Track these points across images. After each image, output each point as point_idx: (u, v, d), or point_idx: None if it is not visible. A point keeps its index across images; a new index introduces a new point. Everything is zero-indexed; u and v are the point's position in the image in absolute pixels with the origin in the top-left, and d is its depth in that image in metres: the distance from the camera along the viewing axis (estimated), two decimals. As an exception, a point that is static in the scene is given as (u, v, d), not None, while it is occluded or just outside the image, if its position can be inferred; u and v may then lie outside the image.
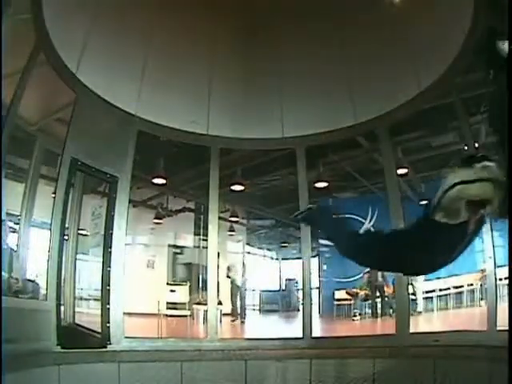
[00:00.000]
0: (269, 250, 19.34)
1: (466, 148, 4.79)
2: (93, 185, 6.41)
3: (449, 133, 7.54)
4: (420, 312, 9.14)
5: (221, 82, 5.25)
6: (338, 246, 1.76)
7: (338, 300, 10.98)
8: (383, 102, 4.90)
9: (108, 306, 4.29)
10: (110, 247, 4.43)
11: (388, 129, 4.93)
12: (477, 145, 4.52)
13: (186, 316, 7.37)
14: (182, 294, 7.79)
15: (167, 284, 10.68)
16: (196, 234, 12.39)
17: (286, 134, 5.37)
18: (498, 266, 3.95)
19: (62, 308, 4.23)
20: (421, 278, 8.98)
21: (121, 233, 4.55)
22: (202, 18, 4.82)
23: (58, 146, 4.43)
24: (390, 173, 4.90)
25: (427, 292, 9.51)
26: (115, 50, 4.60)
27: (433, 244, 1.37)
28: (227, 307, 9.50)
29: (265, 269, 18.38)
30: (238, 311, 9.98)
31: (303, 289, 5.10)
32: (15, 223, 5.27)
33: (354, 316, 9.90)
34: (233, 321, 9.06)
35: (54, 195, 4.13)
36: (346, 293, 10.77)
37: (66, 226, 4.43)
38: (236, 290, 9.91)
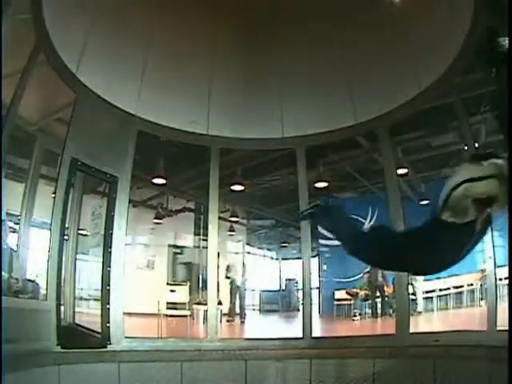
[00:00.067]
0: (269, 250, 19.33)
1: (466, 148, 4.79)
2: (93, 185, 6.41)
3: (449, 133, 7.54)
4: (420, 312, 9.14)
5: (221, 81, 5.25)
6: (344, 244, 1.75)
7: (338, 300, 10.98)
8: (383, 102, 4.90)
9: (108, 306, 4.28)
10: (110, 247, 4.43)
11: (388, 129, 4.93)
12: (477, 145, 4.53)
13: (185, 316, 7.36)
14: (181, 293, 7.79)
15: (167, 284, 10.68)
16: (196, 233, 12.39)
17: (285, 134, 5.37)
18: (498, 266, 3.95)
19: (62, 308, 4.23)
20: (421, 277, 8.97)
21: (121, 233, 4.55)
22: (202, 18, 4.82)
23: (58, 146, 4.43)
24: (390, 173, 4.90)
25: (427, 292, 9.51)
26: (115, 50, 4.60)
27: (440, 244, 1.36)
28: (227, 307, 9.49)
29: (265, 269, 18.38)
30: (237, 311, 9.95)
31: (303, 289, 5.10)
32: (15, 223, 5.27)
33: (354, 316, 9.90)
34: (229, 321, 9.02)
35: (54, 195, 4.13)
36: (346, 293, 10.77)
37: (66, 226, 4.43)
38: (235, 290, 9.87)
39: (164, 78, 4.98)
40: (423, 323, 8.03)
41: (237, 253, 14.63)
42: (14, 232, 5.22)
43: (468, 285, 9.21)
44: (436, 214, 1.30)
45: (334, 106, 5.26)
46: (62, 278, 4.18)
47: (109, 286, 4.33)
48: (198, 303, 8.10)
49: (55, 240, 3.97)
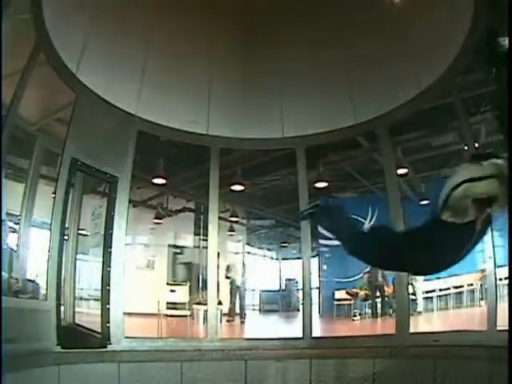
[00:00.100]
0: (269, 250, 19.34)
1: (466, 148, 4.79)
2: (93, 185, 6.41)
3: (449, 133, 7.55)
4: (420, 312, 9.14)
5: (221, 82, 5.25)
6: (344, 244, 1.74)
7: (338, 300, 10.99)
8: (383, 102, 4.90)
9: (108, 306, 4.28)
10: (110, 247, 4.43)
11: (388, 129, 4.93)
12: (477, 145, 4.52)
13: (186, 316, 7.36)
14: (181, 294, 7.79)
15: (167, 284, 10.68)
16: (196, 233, 12.39)
17: (285, 134, 5.37)
18: (498, 266, 3.95)
19: (62, 308, 4.23)
20: (421, 277, 8.97)
21: (121, 233, 4.55)
22: (202, 18, 4.82)
23: (58, 146, 4.43)
24: (390, 173, 4.90)
25: (427, 292, 9.51)
26: (115, 50, 4.60)
27: (440, 244, 1.36)
28: (227, 307, 9.49)
29: (265, 269, 18.38)
30: (237, 311, 9.94)
31: (303, 289, 5.10)
32: (15, 223, 5.27)
33: (354, 316, 9.90)
34: (229, 321, 9.00)
35: (54, 195, 4.13)
36: (346, 293, 10.77)
37: (66, 226, 4.43)
38: (235, 290, 9.85)
39: (164, 79, 4.98)
40: (423, 323, 8.03)
41: (237, 253, 14.63)
42: (13, 232, 5.22)
43: (468, 285, 9.21)
44: (436, 213, 1.30)
45: (334, 106, 5.26)
46: (62, 278, 4.18)
47: (109, 286, 4.33)
48: (198, 303, 8.10)
49: (55, 240, 3.96)
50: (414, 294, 8.69)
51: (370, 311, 10.02)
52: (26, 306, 3.79)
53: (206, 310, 5.31)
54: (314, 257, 11.22)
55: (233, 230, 13.83)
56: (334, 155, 8.72)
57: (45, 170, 6.01)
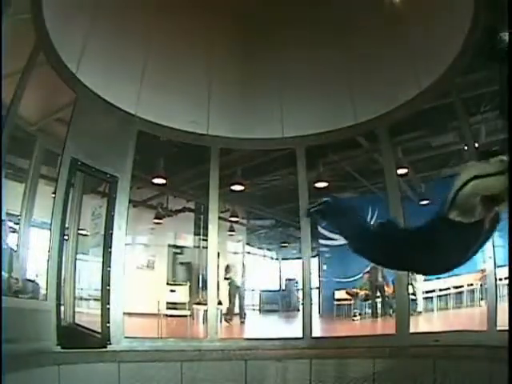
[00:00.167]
0: (269, 250, 19.34)
1: (466, 148, 4.79)
2: (93, 185, 6.42)
3: (449, 133, 7.55)
4: (420, 312, 9.14)
5: (221, 82, 5.25)
6: (350, 242, 1.73)
7: (338, 300, 10.99)
8: (383, 102, 4.90)
9: (108, 306, 4.28)
10: (110, 247, 4.43)
11: (388, 129, 4.93)
12: (477, 145, 4.52)
13: (185, 316, 7.36)
14: (181, 293, 7.79)
15: (167, 284, 10.68)
16: (196, 233, 12.40)
17: (285, 134, 5.37)
18: (498, 266, 3.95)
19: (62, 308, 4.22)
20: (421, 277, 8.98)
21: (121, 233, 4.55)
22: (201, 19, 4.82)
23: (58, 146, 4.43)
24: (390, 173, 4.90)
25: (427, 292, 9.52)
26: (115, 50, 4.60)
27: (447, 243, 1.34)
28: (225, 308, 9.46)
29: (265, 269, 18.38)
30: (236, 311, 9.89)
31: (303, 289, 5.10)
32: (15, 223, 5.27)
33: (354, 316, 9.91)
34: (227, 321, 8.98)
35: (54, 195, 4.13)
36: (346, 293, 10.78)
37: (66, 226, 4.42)
38: (234, 291, 9.80)
39: (164, 79, 4.98)
40: (423, 323, 8.04)
41: (237, 253, 14.63)
42: (14, 232, 5.22)
43: (468, 285, 9.22)
44: (443, 213, 1.28)
45: (334, 106, 5.26)
46: (62, 278, 4.17)
47: (109, 286, 4.33)
48: (198, 303, 8.11)
49: (55, 240, 3.96)
50: (413, 294, 8.70)
51: (370, 311, 10.02)
52: (26, 306, 3.79)
53: (206, 310, 5.31)
54: (314, 257, 11.23)
55: (233, 230, 13.83)
56: (334, 155, 8.73)
57: (45, 170, 6.01)
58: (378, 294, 9.76)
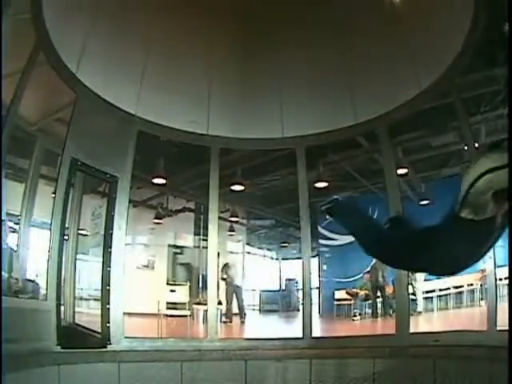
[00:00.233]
0: (269, 250, 19.32)
1: (465, 148, 4.79)
2: (93, 185, 6.42)
3: (449, 133, 7.54)
4: (420, 312, 9.13)
5: (221, 82, 5.25)
6: (361, 242, 1.70)
7: (338, 300, 10.98)
8: (383, 102, 4.90)
9: (108, 306, 4.28)
10: (110, 247, 4.43)
11: (388, 129, 4.93)
12: (477, 145, 4.53)
13: (185, 316, 7.36)
14: (181, 293, 7.78)
15: (167, 284, 10.67)
16: (196, 233, 12.39)
17: (285, 134, 5.37)
18: (498, 266, 3.95)
19: (62, 308, 4.23)
20: (421, 277, 8.98)
21: (121, 233, 4.55)
22: (201, 20, 4.81)
23: (58, 146, 4.43)
24: (390, 173, 4.90)
25: (427, 292, 9.51)
26: (115, 50, 4.60)
27: (459, 243, 1.32)
28: (224, 308, 9.40)
29: (265, 269, 18.37)
30: (235, 312, 9.82)
31: (303, 289, 5.10)
32: (15, 223, 5.27)
33: (354, 316, 9.90)
34: (225, 322, 8.95)
35: (54, 195, 4.13)
36: (346, 293, 10.77)
37: (66, 226, 4.43)
38: (233, 290, 9.70)
39: (164, 79, 4.98)
40: (423, 323, 8.03)
41: (237, 253, 14.62)
42: (14, 232, 5.22)
43: (468, 285, 9.21)
44: (455, 211, 1.26)
45: (334, 106, 5.26)
46: (62, 278, 4.18)
47: (109, 285, 4.33)
48: (198, 303, 8.10)
49: (55, 240, 3.97)
50: (413, 294, 8.69)
51: (370, 311, 10.02)
52: (26, 305, 3.80)
53: (206, 310, 5.31)
54: (314, 257, 11.23)
55: (233, 230, 13.82)
56: (334, 155, 8.72)
57: (45, 170, 6.01)
58: (379, 294, 9.75)
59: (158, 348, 4.46)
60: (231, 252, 14.01)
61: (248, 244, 16.47)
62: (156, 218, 11.80)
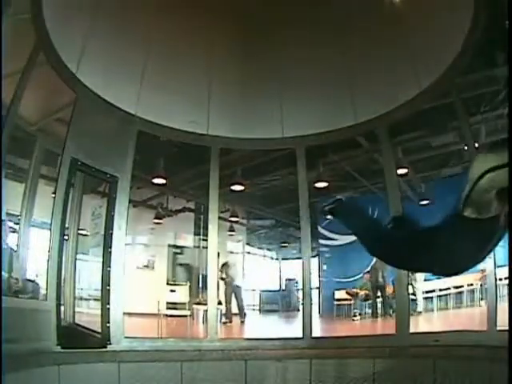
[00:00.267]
0: (269, 250, 19.32)
1: (466, 148, 4.79)
2: (93, 185, 6.42)
3: (449, 133, 7.54)
4: (420, 312, 9.13)
5: (221, 82, 5.25)
6: (364, 243, 1.69)
7: (338, 300, 10.98)
8: (383, 102, 4.90)
9: (108, 306, 4.28)
10: (110, 247, 4.43)
11: (388, 129, 4.93)
12: (477, 145, 4.53)
13: (185, 316, 7.36)
14: (181, 293, 7.79)
15: (167, 284, 10.67)
16: (196, 233, 12.39)
17: (285, 134, 5.37)
18: (498, 266, 3.95)
19: (62, 308, 4.23)
20: (421, 277, 8.98)
21: (121, 233, 4.55)
22: (201, 20, 4.81)
23: (58, 146, 4.43)
24: (390, 173, 4.90)
25: (427, 292, 9.50)
26: (115, 50, 4.60)
27: (463, 241, 1.31)
28: (223, 309, 9.38)
29: (265, 269, 18.37)
30: (235, 312, 9.80)
31: (303, 289, 5.10)
32: (15, 223, 5.27)
33: (354, 316, 9.90)
34: (226, 323, 8.94)
35: (54, 195, 4.13)
36: (346, 293, 10.76)
37: (66, 226, 4.43)
38: (233, 290, 9.70)
39: (164, 79, 4.98)
40: (423, 323, 8.03)
41: (237, 253, 14.62)
42: (14, 232, 5.22)
43: (468, 285, 9.20)
44: (458, 210, 1.24)
45: (334, 106, 5.26)
46: (62, 278, 4.18)
47: (109, 285, 4.33)
48: (198, 303, 8.09)
49: (55, 240, 3.97)
50: (413, 294, 8.68)
51: (370, 311, 10.02)
52: (26, 305, 3.80)
53: (206, 310, 5.31)
54: (314, 257, 11.23)
55: (233, 230, 13.82)
56: (334, 155, 8.71)
57: (45, 170, 6.01)
58: (379, 294, 9.75)
59: (158, 348, 4.46)
60: (231, 252, 14.00)
61: (248, 244, 16.47)
62: (156, 217, 11.80)
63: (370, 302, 10.06)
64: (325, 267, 12.24)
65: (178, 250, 13.34)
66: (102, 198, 5.51)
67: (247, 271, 14.98)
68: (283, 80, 5.25)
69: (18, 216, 5.24)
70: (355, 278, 11.11)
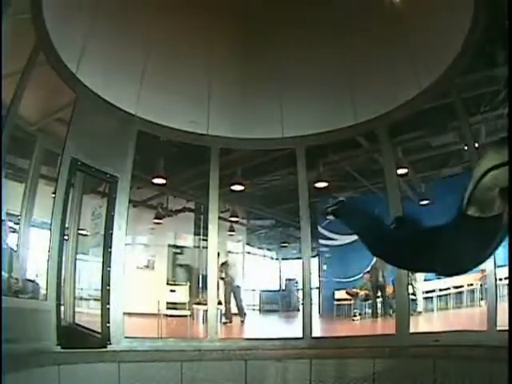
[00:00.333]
0: (269, 250, 19.32)
1: (466, 148, 4.79)
2: (93, 185, 6.42)
3: (449, 133, 7.55)
4: (420, 312, 9.13)
5: (221, 82, 5.25)
6: (367, 244, 1.68)
7: (338, 300, 10.98)
8: (383, 102, 4.90)
9: (108, 306, 4.29)
10: (110, 247, 4.43)
11: (388, 129, 4.93)
12: (477, 145, 4.53)
13: (185, 316, 7.36)
14: (181, 293, 7.79)
15: (167, 284, 10.67)
16: (196, 233, 12.39)
17: (285, 134, 5.37)
18: (498, 266, 3.95)
19: (62, 308, 4.23)
20: (421, 277, 8.98)
21: (121, 233, 4.55)
22: (201, 20, 4.81)
23: (58, 146, 4.43)
24: (390, 173, 4.90)
25: (427, 292, 9.50)
26: (115, 50, 4.60)
27: (466, 241, 1.29)
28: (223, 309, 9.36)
29: (265, 269, 18.37)
30: (235, 312, 9.79)
31: (303, 289, 5.10)
32: (15, 223, 5.27)
33: (354, 316, 9.90)
34: (225, 323, 8.93)
35: (54, 195, 4.13)
36: (346, 293, 10.76)
37: (66, 226, 4.43)
38: (232, 290, 9.69)
39: (164, 79, 4.98)
40: (423, 323, 8.03)
41: (237, 253, 14.61)
42: (14, 232, 5.22)
43: (468, 285, 9.20)
44: (462, 209, 1.24)
45: (334, 106, 5.26)
46: (62, 278, 4.18)
47: (109, 285, 4.33)
48: (198, 303, 8.09)
49: (55, 240, 3.97)
50: (413, 294, 8.68)
51: (370, 311, 10.02)
52: (26, 306, 3.80)
53: (206, 310, 5.31)
54: (314, 257, 11.23)
55: (233, 230, 13.82)
56: (334, 155, 8.71)
57: (45, 170, 6.01)
58: (379, 294, 9.75)
59: (158, 348, 4.46)
60: (231, 252, 14.01)
61: (248, 244, 16.47)
62: (156, 217, 11.80)
63: (369, 302, 10.06)
64: (325, 267, 12.24)
65: (178, 250, 13.34)
66: (102, 198, 5.51)
67: (247, 271, 14.98)
68: (283, 80, 5.24)
69: (18, 216, 5.24)
70: (355, 278, 11.11)
